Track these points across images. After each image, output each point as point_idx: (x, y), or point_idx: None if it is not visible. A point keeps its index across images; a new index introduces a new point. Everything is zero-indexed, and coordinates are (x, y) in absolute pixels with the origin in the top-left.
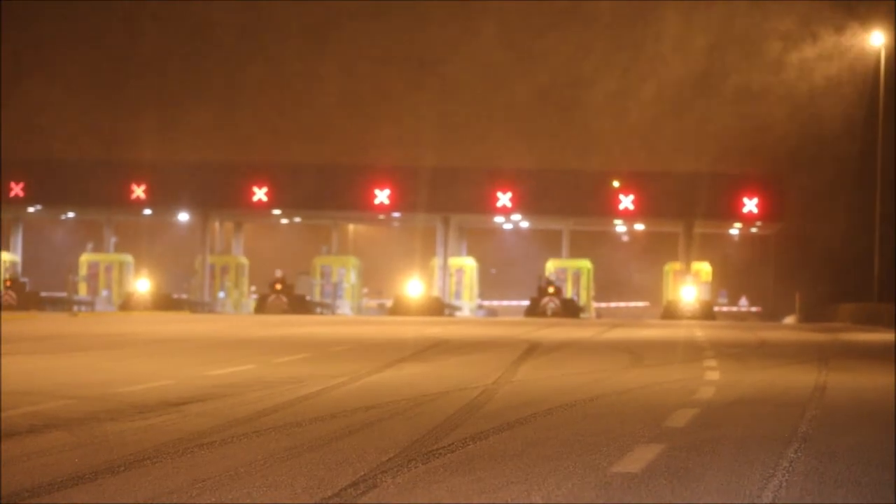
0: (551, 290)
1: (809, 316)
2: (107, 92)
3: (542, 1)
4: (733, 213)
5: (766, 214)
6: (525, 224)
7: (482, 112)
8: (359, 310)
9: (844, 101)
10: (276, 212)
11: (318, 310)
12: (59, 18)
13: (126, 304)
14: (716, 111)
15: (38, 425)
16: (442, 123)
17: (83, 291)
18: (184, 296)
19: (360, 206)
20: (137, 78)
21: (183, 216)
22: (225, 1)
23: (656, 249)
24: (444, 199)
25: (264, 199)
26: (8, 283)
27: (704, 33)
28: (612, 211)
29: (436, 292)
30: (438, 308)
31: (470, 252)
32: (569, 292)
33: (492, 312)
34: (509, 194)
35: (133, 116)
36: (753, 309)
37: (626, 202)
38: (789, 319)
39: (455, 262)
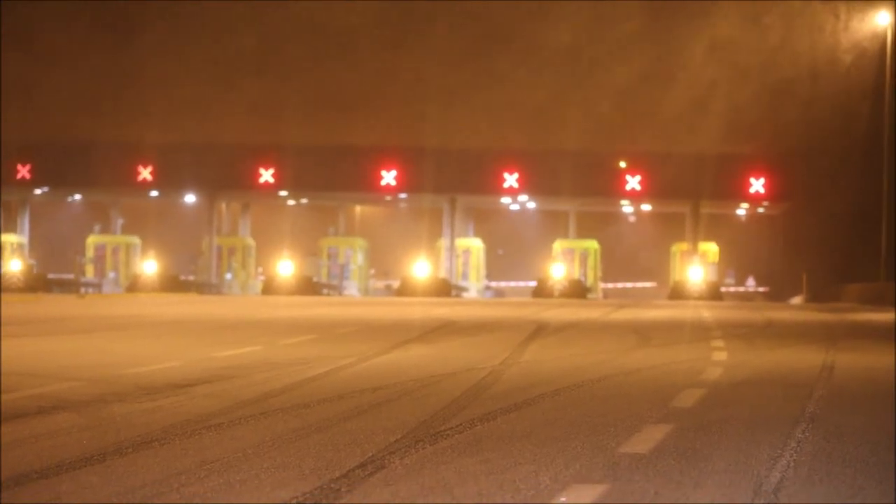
0: (558, 271)
1: (816, 296)
2: (112, 71)
3: None
4: (740, 194)
5: (773, 194)
6: (532, 205)
7: (489, 91)
8: (366, 291)
9: (851, 81)
10: (283, 193)
11: (325, 291)
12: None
13: (133, 286)
14: (721, 91)
15: (46, 407)
16: (446, 103)
17: (90, 273)
18: (191, 277)
19: (366, 187)
20: (143, 56)
21: (190, 198)
22: None
23: (663, 230)
24: (451, 180)
25: (271, 180)
26: (17, 266)
27: (710, 14)
28: (618, 191)
29: (443, 273)
30: (445, 289)
31: (477, 233)
32: (576, 273)
33: (499, 293)
34: (516, 175)
35: (139, 97)
36: (760, 289)
37: (633, 183)
38: (796, 300)
39: (462, 243)
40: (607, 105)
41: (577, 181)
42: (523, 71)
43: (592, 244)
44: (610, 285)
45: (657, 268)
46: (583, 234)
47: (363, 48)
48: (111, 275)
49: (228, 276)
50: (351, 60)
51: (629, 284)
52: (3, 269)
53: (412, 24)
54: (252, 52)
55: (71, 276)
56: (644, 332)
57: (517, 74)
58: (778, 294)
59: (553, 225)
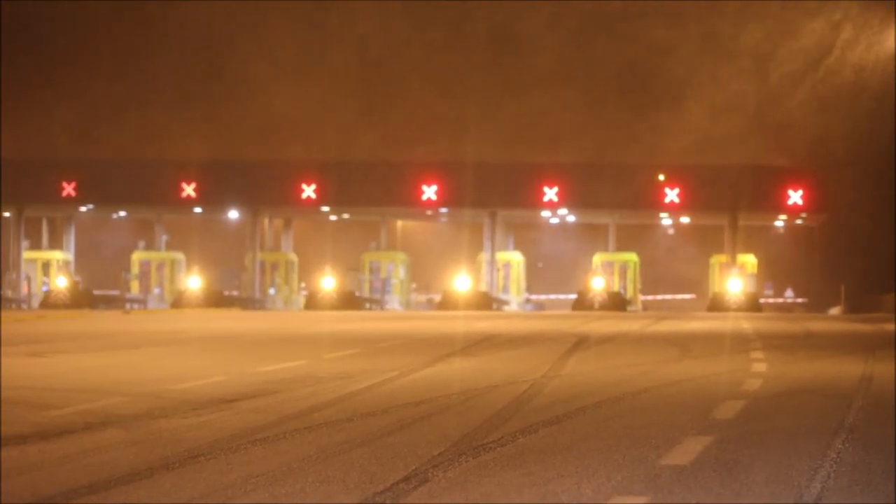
0: (598, 283)
1: (854, 307)
2: (155, 90)
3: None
4: (778, 206)
5: (811, 206)
6: (571, 218)
7: (527, 108)
8: (407, 305)
9: (889, 93)
10: (325, 208)
11: (367, 305)
12: (107, 19)
13: (178, 302)
14: (761, 105)
15: (94, 423)
16: (488, 119)
17: (135, 289)
18: (234, 293)
19: (407, 202)
20: (186, 76)
21: (233, 214)
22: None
23: (702, 242)
24: (491, 194)
25: (313, 196)
26: (63, 282)
27: (748, 31)
28: (657, 204)
29: (483, 287)
30: (486, 302)
31: (517, 246)
32: (615, 285)
33: (539, 306)
34: (556, 189)
35: (182, 115)
36: (799, 300)
37: (672, 195)
38: (834, 310)
39: (502, 256)
40: (645, 119)
41: (617, 194)
42: (557, 86)
43: (632, 257)
44: (649, 297)
45: (696, 280)
46: (622, 246)
47: (398, 60)
48: (156, 291)
49: (272, 291)
50: (388, 74)
51: (668, 296)
52: (49, 286)
53: (451, 41)
54: (290, 69)
55: (116, 293)
56: (684, 344)
57: (552, 89)
58: (816, 305)
59: (592, 238)
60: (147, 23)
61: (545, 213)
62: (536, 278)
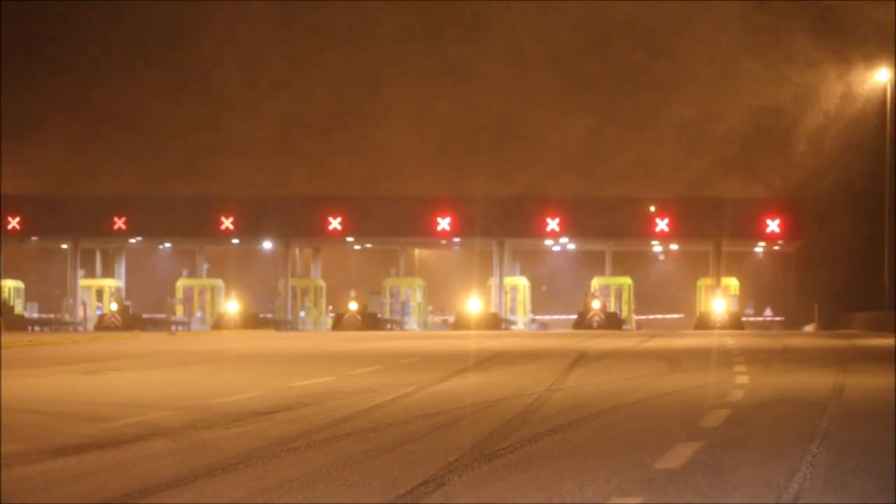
0: (596, 304)
1: (827, 324)
2: (198, 132)
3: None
4: (758, 234)
5: (787, 234)
6: (572, 246)
7: (533, 143)
8: (424, 325)
9: (856, 133)
10: (350, 239)
11: (389, 326)
12: (157, 65)
13: (218, 324)
14: (739, 141)
15: (144, 434)
16: (495, 156)
17: (180, 313)
18: (269, 315)
19: (424, 232)
20: (223, 121)
21: (267, 244)
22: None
23: (689, 267)
24: (499, 225)
25: (339, 227)
26: (115, 307)
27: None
28: (649, 233)
29: (493, 308)
30: (496, 323)
31: (523, 272)
32: (612, 306)
33: (543, 326)
34: (557, 220)
35: (222, 155)
36: (777, 318)
37: (662, 225)
38: (809, 327)
39: (510, 281)
40: (644, 155)
41: (612, 224)
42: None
43: (626, 280)
44: (643, 317)
45: (684, 301)
46: (618, 271)
47: (413, 102)
48: (198, 314)
49: (302, 313)
50: (405, 119)
51: (660, 316)
52: (103, 310)
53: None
54: (315, 113)
55: (163, 316)
56: (674, 359)
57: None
58: (793, 323)
59: (591, 263)
60: (177, 73)
61: (548, 242)
62: (541, 300)
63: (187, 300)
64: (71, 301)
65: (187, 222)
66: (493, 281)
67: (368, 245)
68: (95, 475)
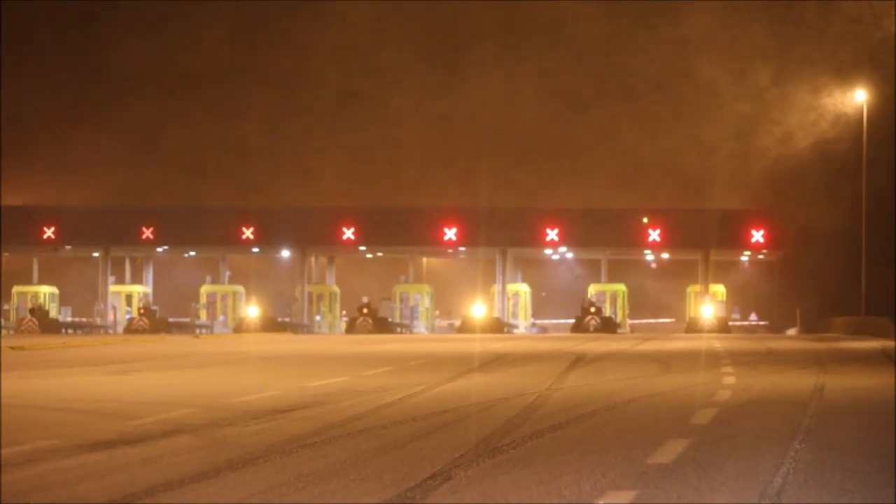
0: (593, 309)
1: (808, 328)
2: (220, 148)
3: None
4: (743, 243)
5: (771, 244)
6: (570, 255)
7: (535, 158)
8: (432, 329)
9: (835, 149)
10: (362, 248)
11: (398, 329)
12: (187, 88)
13: (239, 327)
14: (729, 156)
15: (169, 430)
16: (498, 169)
17: (203, 317)
18: (287, 319)
19: (431, 242)
20: (246, 134)
21: (285, 253)
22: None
23: (680, 274)
24: (502, 235)
25: (352, 237)
26: (142, 311)
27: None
28: (642, 243)
29: (496, 313)
30: (499, 327)
31: (524, 279)
32: (607, 311)
33: (543, 329)
34: (556, 230)
35: (244, 168)
36: (762, 323)
37: (654, 235)
38: (792, 331)
39: (512, 287)
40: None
41: (608, 234)
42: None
43: (621, 287)
44: (636, 321)
45: (675, 306)
46: (613, 278)
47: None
48: (221, 318)
49: (318, 318)
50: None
51: (652, 320)
52: (132, 315)
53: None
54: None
55: (187, 320)
56: (665, 361)
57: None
58: (776, 327)
59: (588, 271)
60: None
61: (548, 251)
62: (541, 306)
63: (210, 305)
64: (102, 306)
65: (211, 232)
66: (497, 287)
67: (380, 254)
68: (125, 469)
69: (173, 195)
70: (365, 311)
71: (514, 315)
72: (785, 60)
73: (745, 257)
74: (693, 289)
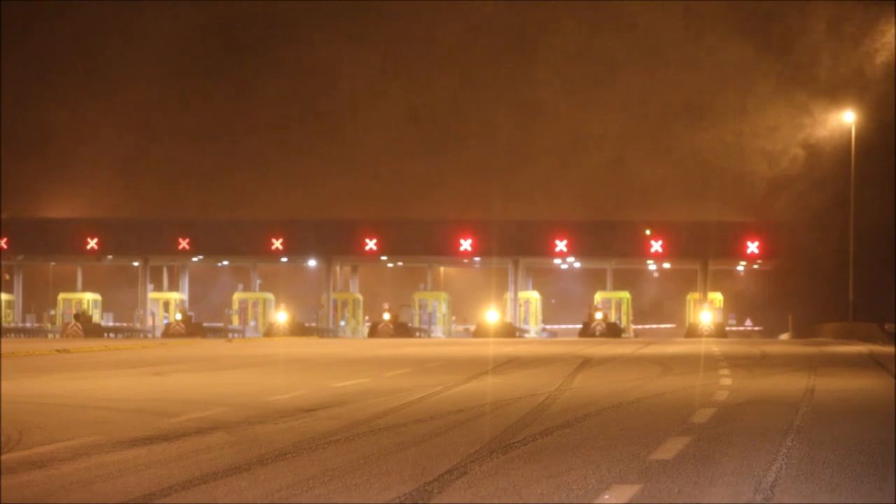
0: (599, 315)
1: (800, 333)
2: (254, 163)
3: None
4: (739, 254)
5: (765, 254)
6: (577, 264)
7: (545, 175)
8: (449, 333)
9: (826, 166)
10: (384, 258)
11: (417, 334)
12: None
13: (268, 332)
14: (724, 174)
15: (204, 427)
16: (508, 184)
17: (236, 322)
18: (313, 324)
19: (448, 252)
20: (279, 153)
21: (311, 262)
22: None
23: (680, 283)
24: (514, 245)
25: (374, 248)
26: (179, 317)
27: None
28: (645, 253)
29: (509, 319)
30: (511, 331)
31: (535, 287)
32: (612, 317)
33: (552, 334)
34: (565, 241)
35: (274, 184)
36: (756, 328)
37: (656, 246)
38: (784, 336)
39: (523, 295)
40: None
41: (613, 245)
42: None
43: (625, 294)
44: (639, 326)
45: (676, 312)
46: (617, 286)
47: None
48: (252, 323)
49: (342, 323)
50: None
51: (654, 325)
52: (169, 320)
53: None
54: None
55: (221, 325)
56: (667, 364)
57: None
58: (770, 332)
59: (594, 280)
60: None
61: (557, 261)
62: (550, 312)
63: (242, 311)
64: (141, 311)
65: (242, 243)
66: (509, 295)
67: (400, 263)
68: (163, 464)
69: (208, 207)
70: (386, 316)
71: (526, 320)
72: (773, 76)
73: (741, 267)
74: (692, 296)
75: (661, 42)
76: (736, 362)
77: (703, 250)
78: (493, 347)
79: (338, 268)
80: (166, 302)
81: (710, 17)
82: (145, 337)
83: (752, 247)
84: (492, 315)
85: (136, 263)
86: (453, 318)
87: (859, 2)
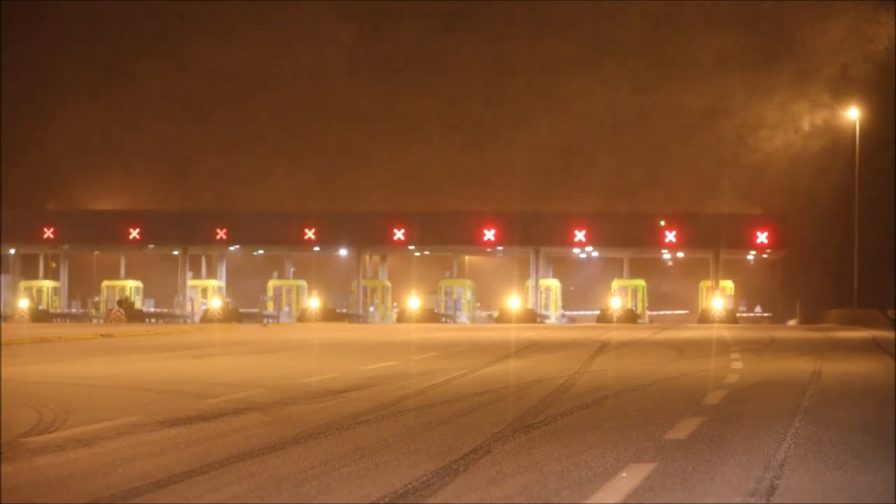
0: (616, 302)
1: (807, 319)
2: (287, 159)
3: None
4: (749, 244)
5: (774, 244)
6: (595, 253)
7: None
8: (473, 319)
9: (831, 161)
10: (411, 247)
11: (443, 319)
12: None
13: (301, 317)
14: (737, 169)
15: (241, 408)
16: (530, 177)
17: (270, 308)
18: (344, 310)
19: (473, 241)
20: (313, 152)
21: (343, 251)
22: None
23: (693, 271)
24: (535, 236)
25: (402, 238)
26: (217, 303)
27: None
28: (659, 243)
29: (530, 305)
30: (532, 317)
31: (555, 275)
32: (629, 304)
33: (571, 320)
34: (584, 231)
35: (305, 176)
36: (765, 314)
37: (670, 236)
38: (792, 322)
39: (544, 282)
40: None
41: (629, 236)
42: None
43: (641, 282)
44: (654, 313)
45: (689, 299)
46: (634, 274)
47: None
48: (286, 309)
49: (372, 309)
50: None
51: (668, 312)
52: (207, 306)
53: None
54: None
55: (256, 311)
56: (681, 348)
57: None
58: (778, 318)
59: (611, 268)
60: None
61: (576, 250)
62: (569, 298)
63: (277, 297)
64: (181, 298)
65: (277, 233)
66: (530, 282)
67: (427, 252)
68: (201, 442)
69: (245, 198)
70: (413, 302)
71: (546, 307)
72: (782, 73)
73: (751, 256)
74: (705, 284)
75: (661, 41)
76: (746, 347)
77: (715, 240)
78: (515, 332)
79: (367, 257)
80: (204, 289)
81: (716, 13)
82: (184, 322)
83: (762, 237)
84: (514, 301)
85: (176, 252)
86: (477, 304)
87: (873, 1)
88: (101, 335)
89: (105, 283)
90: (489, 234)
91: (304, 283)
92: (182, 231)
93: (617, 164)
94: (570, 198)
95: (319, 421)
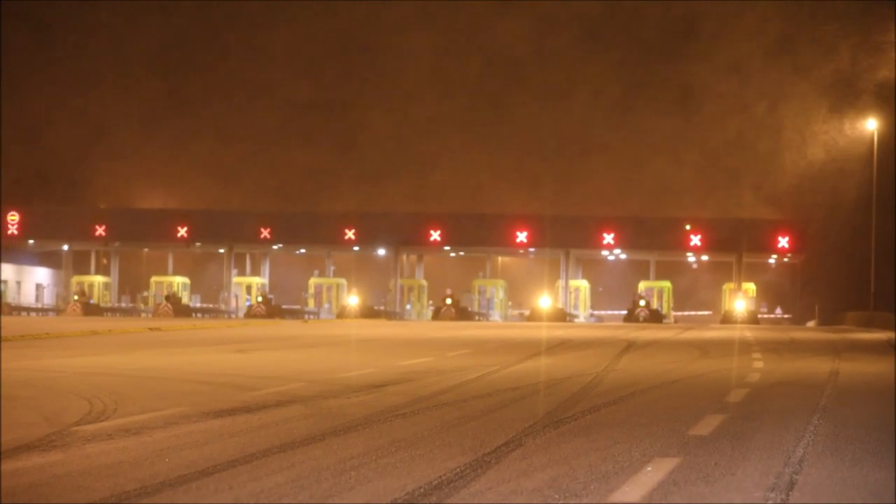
0: (642, 303)
1: (825, 321)
2: (325, 162)
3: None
4: (771, 248)
5: (795, 248)
6: (623, 256)
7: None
8: (505, 317)
9: (850, 167)
10: (447, 248)
11: (477, 317)
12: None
13: (341, 314)
14: (759, 176)
15: (283, 401)
16: (559, 182)
17: (311, 305)
18: (382, 307)
19: (506, 243)
20: (351, 157)
21: (381, 251)
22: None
23: (716, 274)
24: (566, 238)
25: (438, 239)
26: (260, 299)
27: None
28: (685, 246)
29: (560, 304)
30: (562, 316)
31: (584, 276)
32: (655, 304)
33: (599, 319)
34: (612, 234)
35: (347, 180)
36: (786, 316)
37: (695, 240)
38: (811, 323)
39: (573, 283)
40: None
41: (656, 239)
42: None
43: (667, 284)
44: (679, 313)
45: (712, 300)
46: (660, 276)
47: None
48: (326, 306)
49: (408, 306)
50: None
51: (693, 312)
52: (251, 302)
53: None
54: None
55: (298, 307)
56: (704, 348)
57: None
58: (798, 319)
59: (638, 270)
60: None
61: (604, 252)
62: (598, 299)
63: (317, 295)
64: (226, 294)
65: (318, 233)
66: (560, 283)
67: (461, 253)
68: (245, 433)
69: (288, 200)
70: (448, 301)
71: (575, 306)
72: (806, 85)
73: (772, 260)
74: (728, 286)
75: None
76: (767, 347)
77: (738, 244)
78: (546, 331)
79: (405, 256)
80: (249, 286)
81: (740, 24)
82: (229, 317)
83: (783, 242)
84: (545, 301)
85: (221, 250)
86: (509, 303)
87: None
88: (150, 329)
89: (154, 279)
90: (522, 237)
91: (343, 281)
92: (228, 230)
93: (665, 167)
94: (603, 201)
95: (358, 414)
